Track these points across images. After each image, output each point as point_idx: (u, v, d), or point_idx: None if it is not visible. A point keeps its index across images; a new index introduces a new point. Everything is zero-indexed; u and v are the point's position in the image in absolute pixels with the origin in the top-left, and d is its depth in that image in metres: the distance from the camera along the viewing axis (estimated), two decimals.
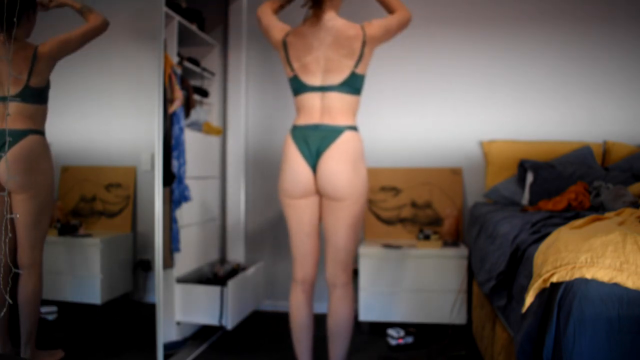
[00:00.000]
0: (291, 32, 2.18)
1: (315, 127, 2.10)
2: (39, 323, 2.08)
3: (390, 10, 2.20)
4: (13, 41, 1.97)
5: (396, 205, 3.35)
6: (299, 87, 2.15)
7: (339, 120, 2.10)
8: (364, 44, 2.11)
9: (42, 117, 2.07)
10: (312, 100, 2.13)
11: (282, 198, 2.20)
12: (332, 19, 2.14)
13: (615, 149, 3.09)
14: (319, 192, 2.15)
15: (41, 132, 2.05)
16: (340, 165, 2.08)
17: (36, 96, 2.03)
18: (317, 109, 2.13)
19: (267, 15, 2.27)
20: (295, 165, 2.11)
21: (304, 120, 2.13)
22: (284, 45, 2.17)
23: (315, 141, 2.09)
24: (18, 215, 1.97)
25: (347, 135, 2.10)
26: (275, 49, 2.26)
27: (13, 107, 1.97)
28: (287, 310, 2.33)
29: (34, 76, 2.00)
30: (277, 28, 2.22)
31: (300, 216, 2.18)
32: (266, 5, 2.28)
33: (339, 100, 2.11)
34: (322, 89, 2.12)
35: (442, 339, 2.89)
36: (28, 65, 2.00)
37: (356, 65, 2.10)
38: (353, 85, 2.12)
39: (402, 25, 2.19)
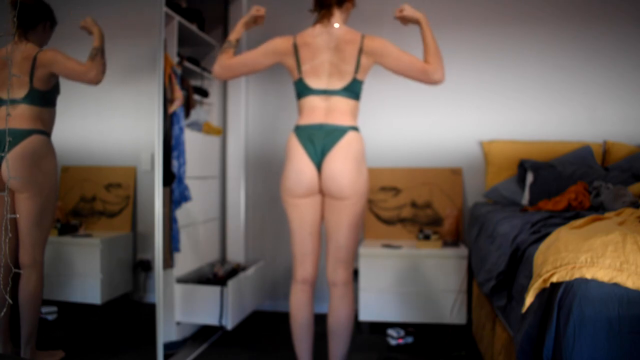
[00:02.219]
0: (299, 35, 2.20)
1: (320, 127, 2.12)
2: (39, 323, 2.08)
3: (424, 58, 2.17)
4: (22, 44, 2.00)
5: (396, 205, 3.35)
6: (303, 90, 2.18)
7: (342, 121, 2.14)
8: (360, 51, 2.14)
9: (49, 119, 2.09)
10: (316, 101, 2.16)
11: (285, 197, 2.21)
12: (338, 27, 2.18)
13: (615, 149, 3.09)
14: (322, 191, 2.17)
15: (46, 133, 2.06)
16: (346, 165, 2.10)
17: (42, 99, 2.04)
18: (321, 109, 2.15)
19: (248, 54, 2.26)
20: (301, 164, 2.12)
21: (307, 120, 2.15)
22: (295, 48, 2.18)
23: (320, 140, 2.11)
24: (18, 215, 1.98)
25: (350, 135, 2.12)
26: (284, 65, 2.24)
27: (20, 108, 1.98)
28: (287, 310, 2.33)
29: (36, 79, 2.01)
30: (277, 43, 2.21)
31: (303, 215, 2.19)
32: (225, 56, 2.25)
33: (342, 104, 2.15)
34: (326, 92, 2.15)
35: (442, 339, 2.89)
36: (29, 68, 2.01)
37: (356, 71, 2.14)
38: (354, 90, 2.16)
39: (417, 72, 2.14)
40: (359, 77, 2.15)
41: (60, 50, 2.08)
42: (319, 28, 2.19)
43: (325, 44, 2.16)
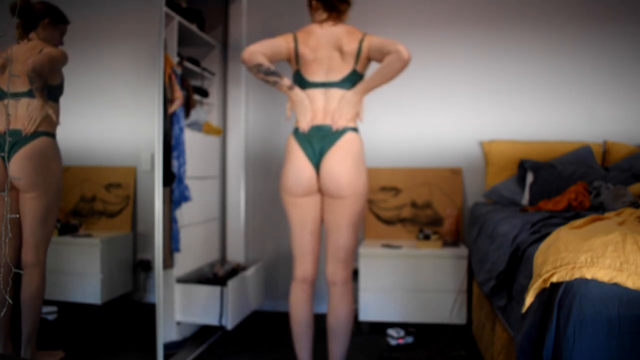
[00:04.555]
0: (299, 30, 2.23)
1: (318, 129, 2.13)
2: (39, 323, 2.08)
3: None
4: (26, 43, 2.01)
5: (396, 205, 3.35)
6: (301, 83, 2.19)
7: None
8: (361, 41, 2.15)
9: (54, 116, 2.09)
10: (314, 97, 2.16)
11: (285, 196, 2.21)
12: (338, 24, 2.22)
13: (615, 149, 3.09)
14: (321, 191, 2.17)
15: (52, 135, 2.07)
16: (344, 165, 2.11)
17: (46, 93, 2.04)
18: (319, 109, 2.15)
19: (263, 42, 2.18)
20: (299, 164, 2.13)
21: None
22: (295, 38, 2.20)
23: (318, 141, 2.12)
24: (18, 215, 1.99)
25: (349, 136, 2.13)
26: (287, 59, 2.24)
27: (25, 104, 1.98)
28: (287, 310, 2.33)
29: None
30: (281, 37, 2.22)
31: (303, 214, 2.20)
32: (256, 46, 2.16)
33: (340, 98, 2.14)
34: (325, 85, 2.15)
35: (442, 339, 2.89)
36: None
37: (356, 62, 2.15)
38: (353, 82, 2.16)
39: (392, 45, 2.06)
40: (358, 68, 2.16)
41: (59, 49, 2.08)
42: (320, 26, 2.21)
43: (325, 39, 2.17)
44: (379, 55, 2.13)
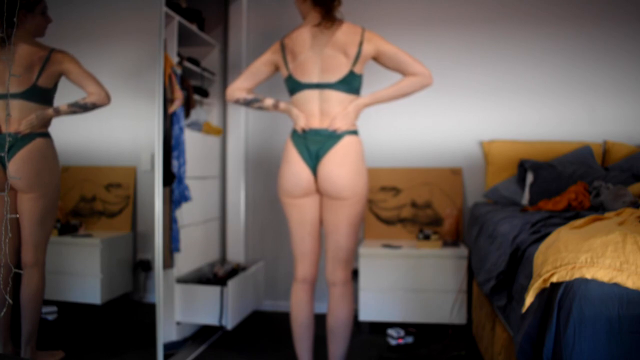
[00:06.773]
0: (287, 35, 2.21)
1: (316, 132, 2.12)
2: (39, 323, 2.08)
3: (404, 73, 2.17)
4: (18, 42, 2.00)
5: (396, 205, 3.35)
6: (294, 86, 2.17)
7: None
8: (360, 43, 2.11)
9: (48, 119, 2.09)
10: (309, 99, 2.14)
11: (283, 198, 2.21)
12: (333, 23, 2.16)
13: (615, 149, 3.09)
14: (320, 192, 2.17)
15: (47, 135, 2.07)
16: (342, 168, 2.10)
17: (41, 96, 2.04)
18: (315, 111, 2.13)
19: (252, 64, 2.27)
20: (296, 166, 2.13)
21: None
22: (282, 47, 2.19)
23: (315, 145, 2.11)
24: (18, 215, 1.99)
25: (347, 140, 2.12)
26: (277, 66, 2.25)
27: (18, 106, 1.98)
28: (287, 310, 2.34)
29: (43, 78, 2.02)
30: (270, 49, 2.24)
31: (302, 215, 2.19)
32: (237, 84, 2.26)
33: (337, 101, 2.12)
34: (319, 86, 2.12)
35: (442, 339, 2.89)
36: (39, 66, 2.01)
37: (354, 63, 2.11)
38: (351, 83, 2.13)
39: (414, 68, 2.14)
40: (356, 70, 2.12)
41: (77, 60, 2.08)
42: (311, 26, 2.15)
43: (317, 39, 2.13)
44: (391, 65, 2.16)
